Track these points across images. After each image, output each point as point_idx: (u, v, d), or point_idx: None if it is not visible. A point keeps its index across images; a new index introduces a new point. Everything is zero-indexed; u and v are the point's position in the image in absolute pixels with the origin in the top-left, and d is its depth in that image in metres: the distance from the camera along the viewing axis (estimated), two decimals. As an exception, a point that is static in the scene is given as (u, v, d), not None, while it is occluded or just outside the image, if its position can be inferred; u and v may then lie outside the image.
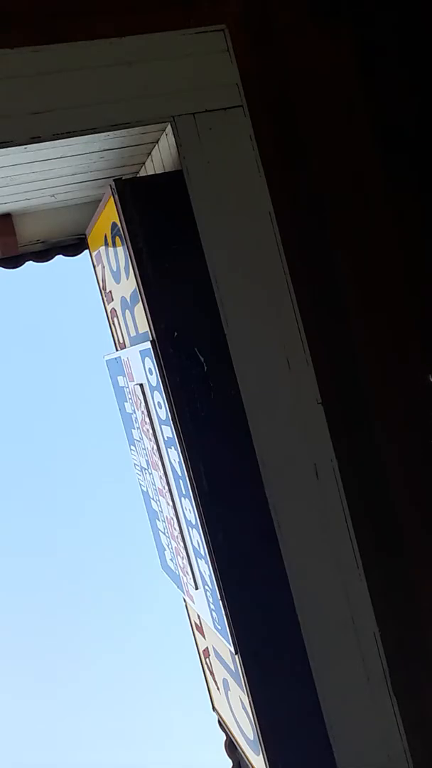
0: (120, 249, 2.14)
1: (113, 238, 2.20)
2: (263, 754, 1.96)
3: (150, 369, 2.05)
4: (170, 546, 2.53)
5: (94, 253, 2.66)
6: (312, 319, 1.89)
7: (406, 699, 1.88)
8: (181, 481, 2.06)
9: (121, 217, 1.98)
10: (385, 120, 2.03)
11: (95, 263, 2.69)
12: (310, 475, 1.86)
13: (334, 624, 1.85)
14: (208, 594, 2.10)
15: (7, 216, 2.62)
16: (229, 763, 2.65)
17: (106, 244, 2.34)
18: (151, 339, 1.96)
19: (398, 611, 1.91)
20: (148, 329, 1.99)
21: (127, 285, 2.18)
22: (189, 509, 2.05)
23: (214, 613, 2.09)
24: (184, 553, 2.27)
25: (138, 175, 2.52)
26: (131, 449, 2.80)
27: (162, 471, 2.27)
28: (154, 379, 2.03)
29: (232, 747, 2.58)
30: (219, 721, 2.67)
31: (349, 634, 1.85)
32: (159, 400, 2.05)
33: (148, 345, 1.99)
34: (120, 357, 2.49)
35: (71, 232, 2.77)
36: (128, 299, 2.22)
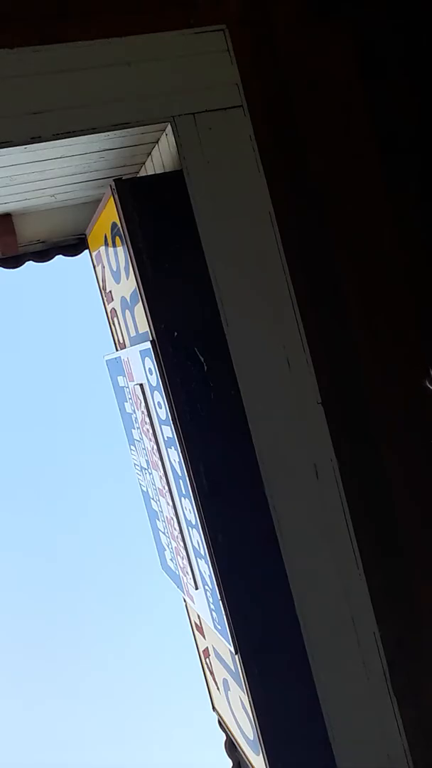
0: (120, 249, 2.14)
1: (113, 238, 2.20)
2: (263, 754, 1.96)
3: (150, 369, 2.05)
4: (170, 546, 2.53)
5: (94, 253, 2.66)
6: (312, 319, 1.90)
7: (406, 699, 1.88)
8: (181, 481, 2.06)
9: (121, 217, 1.98)
10: (385, 120, 2.03)
11: (95, 263, 2.68)
12: (310, 475, 1.86)
13: (334, 624, 1.85)
14: (208, 594, 2.09)
15: (7, 216, 2.62)
16: (229, 763, 2.65)
17: (106, 244, 2.33)
18: (151, 339, 1.96)
19: (398, 611, 1.91)
20: (148, 329, 1.98)
21: (127, 285, 2.18)
22: (189, 509, 2.05)
23: (214, 613, 2.09)
24: (184, 553, 2.27)
25: (138, 175, 2.52)
26: (131, 449, 2.79)
27: (162, 471, 2.26)
28: (154, 379, 2.03)
29: (232, 747, 2.58)
30: (219, 721, 2.67)
31: (349, 634, 1.85)
32: (159, 400, 2.05)
33: (148, 345, 1.99)
34: (120, 357, 2.49)
35: (71, 232, 2.77)
36: (128, 299, 2.22)
